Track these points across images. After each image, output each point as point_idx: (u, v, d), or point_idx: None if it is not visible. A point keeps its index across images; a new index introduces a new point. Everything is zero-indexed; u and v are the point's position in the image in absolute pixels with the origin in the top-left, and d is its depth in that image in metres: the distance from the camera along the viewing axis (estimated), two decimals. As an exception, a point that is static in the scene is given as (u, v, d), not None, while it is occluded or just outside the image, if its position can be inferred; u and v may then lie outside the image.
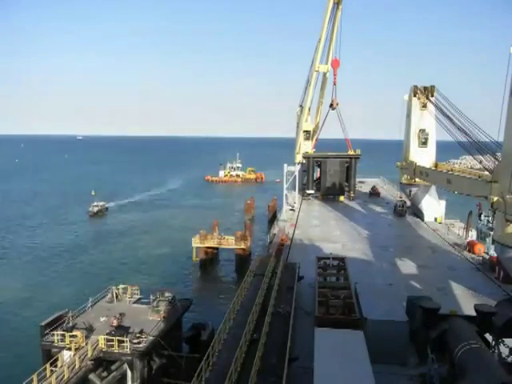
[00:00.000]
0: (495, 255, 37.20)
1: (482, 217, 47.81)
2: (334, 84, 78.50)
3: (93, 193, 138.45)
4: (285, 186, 75.35)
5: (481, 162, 38.72)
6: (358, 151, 79.68)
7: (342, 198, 77.88)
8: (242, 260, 63.43)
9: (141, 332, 32.22)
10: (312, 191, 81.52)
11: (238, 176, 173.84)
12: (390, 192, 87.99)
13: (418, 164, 59.41)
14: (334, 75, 77.81)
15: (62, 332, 31.37)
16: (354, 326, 21.68)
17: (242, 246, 63.77)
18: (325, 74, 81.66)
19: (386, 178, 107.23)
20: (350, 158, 79.42)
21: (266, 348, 21.87)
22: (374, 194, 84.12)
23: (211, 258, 68.11)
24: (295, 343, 23.68)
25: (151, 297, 38.29)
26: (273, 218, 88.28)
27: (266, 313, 25.18)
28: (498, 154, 35.45)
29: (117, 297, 39.55)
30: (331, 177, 78.83)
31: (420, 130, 61.62)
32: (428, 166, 58.63)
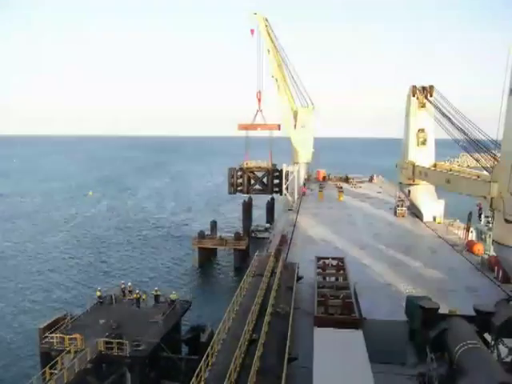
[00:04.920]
0: (494, 255, 37.19)
1: (482, 217, 47.80)
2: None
3: (90, 193, 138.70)
4: (284, 185, 75.40)
5: (478, 161, 38.73)
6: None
7: (341, 198, 77.95)
8: (241, 260, 63.46)
9: (140, 334, 32.16)
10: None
11: None
12: (390, 192, 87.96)
13: (417, 164, 59.42)
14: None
15: (60, 335, 31.31)
16: (353, 325, 21.64)
17: (241, 247, 63.81)
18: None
19: (384, 178, 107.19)
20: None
21: (266, 348, 21.81)
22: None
23: (210, 259, 68.14)
24: (294, 343, 23.66)
25: (150, 299, 38.30)
26: (272, 218, 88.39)
27: (266, 313, 25.15)
28: (498, 154, 35.47)
29: (116, 299, 39.52)
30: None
31: (419, 130, 61.62)
32: (427, 165, 58.64)
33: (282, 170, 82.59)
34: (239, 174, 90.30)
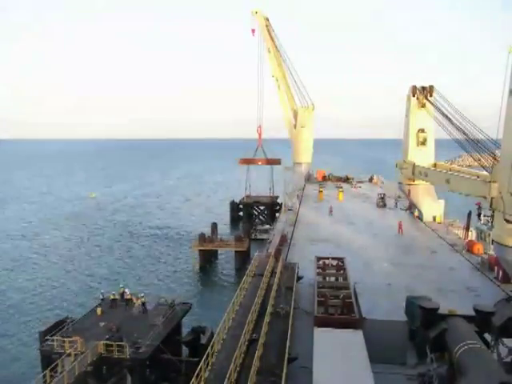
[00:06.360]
0: (494, 255, 37.13)
1: (482, 216, 47.73)
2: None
3: (92, 194, 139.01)
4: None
5: (479, 160, 38.73)
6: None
7: (341, 198, 78.00)
8: (242, 261, 63.46)
9: (140, 337, 32.13)
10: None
11: None
12: (389, 192, 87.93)
13: (416, 164, 59.42)
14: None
15: (61, 338, 31.30)
16: (353, 325, 21.65)
17: (241, 248, 63.81)
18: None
19: (384, 178, 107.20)
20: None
21: (265, 348, 21.84)
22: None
23: (211, 261, 68.14)
24: (294, 343, 23.64)
25: (150, 301, 38.22)
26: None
27: (266, 313, 25.16)
28: (498, 153, 35.42)
29: (116, 302, 39.47)
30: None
31: (419, 130, 61.65)
32: (427, 165, 58.62)
33: (282, 204, 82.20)
34: (240, 206, 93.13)
